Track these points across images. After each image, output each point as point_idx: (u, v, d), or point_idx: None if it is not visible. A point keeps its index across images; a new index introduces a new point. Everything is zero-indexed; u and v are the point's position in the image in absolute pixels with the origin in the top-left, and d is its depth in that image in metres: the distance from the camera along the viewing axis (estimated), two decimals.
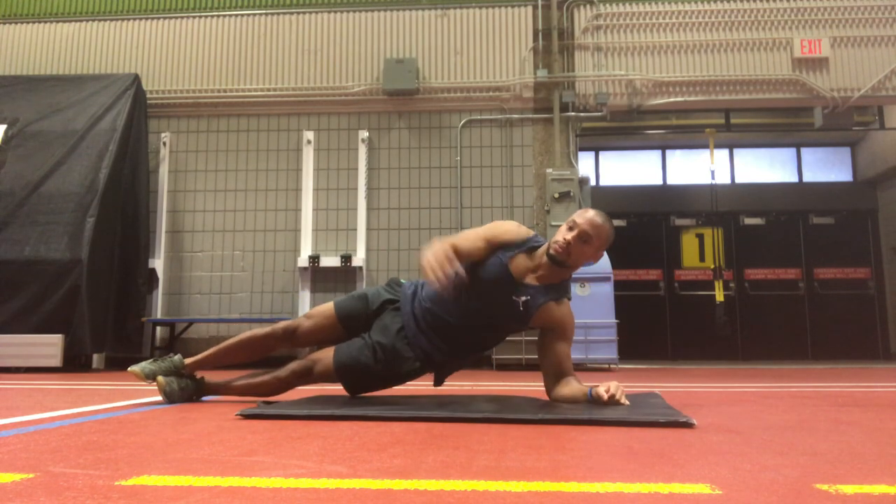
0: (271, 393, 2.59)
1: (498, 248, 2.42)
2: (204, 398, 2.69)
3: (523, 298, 2.36)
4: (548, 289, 2.41)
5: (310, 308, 5.54)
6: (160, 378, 2.54)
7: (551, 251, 2.36)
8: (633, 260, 8.90)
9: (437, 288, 2.18)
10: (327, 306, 2.61)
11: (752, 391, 3.38)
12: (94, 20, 7.38)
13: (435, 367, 2.47)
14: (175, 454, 1.45)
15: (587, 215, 2.37)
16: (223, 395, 2.71)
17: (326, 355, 2.48)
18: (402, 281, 2.67)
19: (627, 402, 2.23)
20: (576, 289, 6.01)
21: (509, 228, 2.47)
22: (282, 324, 2.61)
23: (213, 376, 2.70)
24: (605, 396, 2.19)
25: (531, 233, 2.51)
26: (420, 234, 6.81)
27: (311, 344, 2.66)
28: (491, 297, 2.39)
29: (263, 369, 2.63)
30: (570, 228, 2.35)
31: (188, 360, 2.62)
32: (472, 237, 2.39)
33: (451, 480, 1.17)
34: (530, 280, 2.41)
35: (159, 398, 2.61)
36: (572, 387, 2.37)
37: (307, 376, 2.50)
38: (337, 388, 2.56)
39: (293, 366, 2.51)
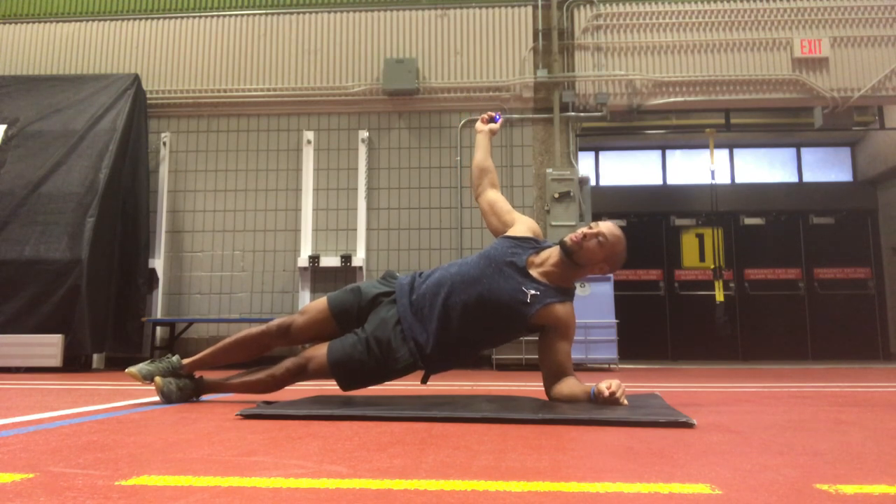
0: (267, 390, 2.60)
1: (509, 224, 2.67)
2: (203, 398, 2.69)
3: (532, 292, 2.37)
4: (556, 290, 2.42)
5: None
6: (158, 379, 2.54)
7: (565, 239, 2.43)
8: (633, 260, 8.79)
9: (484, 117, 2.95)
10: (320, 301, 2.61)
11: (752, 391, 3.38)
12: (94, 20, 7.38)
13: (427, 362, 2.45)
14: (175, 454, 1.45)
15: (608, 223, 2.48)
16: (221, 394, 2.70)
17: (320, 352, 2.48)
18: (397, 274, 2.67)
19: (626, 403, 2.23)
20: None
21: (534, 225, 2.68)
22: (276, 321, 2.61)
23: (210, 375, 2.70)
24: (606, 393, 2.19)
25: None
26: (420, 234, 6.82)
27: (307, 340, 2.65)
28: (501, 282, 2.39)
29: (259, 367, 2.63)
30: (590, 227, 2.44)
31: (186, 361, 2.62)
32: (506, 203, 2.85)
33: (451, 480, 1.17)
34: (538, 276, 2.42)
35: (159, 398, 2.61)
36: (573, 386, 2.37)
37: (302, 374, 2.50)
38: (335, 387, 2.56)
39: (287, 364, 2.51)
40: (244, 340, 2.61)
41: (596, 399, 2.24)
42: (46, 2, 7.53)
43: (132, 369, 2.53)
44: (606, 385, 2.21)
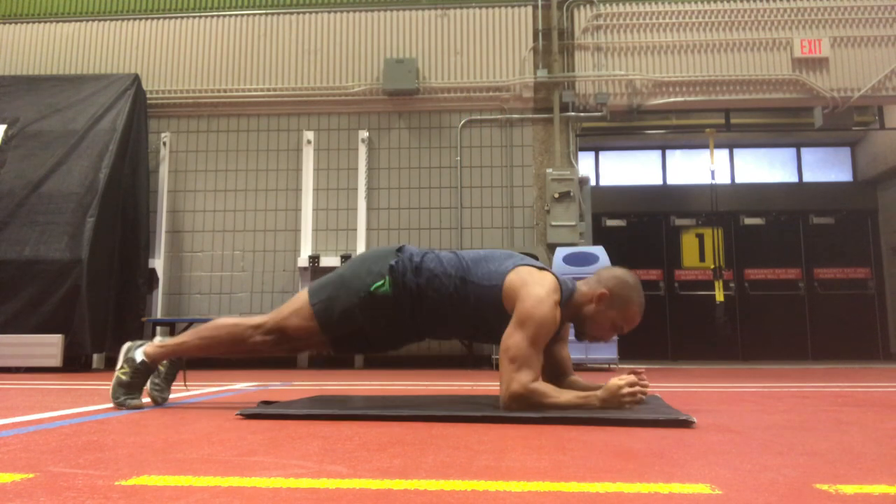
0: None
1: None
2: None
3: None
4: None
5: None
6: (147, 395, 2.48)
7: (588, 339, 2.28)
8: (633, 260, 8.89)
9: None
10: (314, 329, 2.38)
11: (752, 391, 3.38)
12: (94, 20, 7.39)
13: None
14: (175, 454, 1.45)
15: (635, 316, 2.20)
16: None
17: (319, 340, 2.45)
18: (387, 272, 2.30)
19: (640, 402, 2.05)
20: None
21: (554, 321, 2.08)
22: (269, 342, 2.40)
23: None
24: (633, 375, 2.03)
25: (558, 295, 2.12)
26: (420, 234, 6.82)
27: None
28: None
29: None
30: (616, 328, 2.20)
31: (150, 352, 2.42)
32: (543, 340, 2.06)
33: (451, 480, 1.17)
34: None
35: None
36: (580, 385, 2.36)
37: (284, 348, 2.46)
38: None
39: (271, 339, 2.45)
40: (227, 346, 2.41)
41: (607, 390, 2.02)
42: (46, 2, 7.54)
43: (128, 404, 2.39)
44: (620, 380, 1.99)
